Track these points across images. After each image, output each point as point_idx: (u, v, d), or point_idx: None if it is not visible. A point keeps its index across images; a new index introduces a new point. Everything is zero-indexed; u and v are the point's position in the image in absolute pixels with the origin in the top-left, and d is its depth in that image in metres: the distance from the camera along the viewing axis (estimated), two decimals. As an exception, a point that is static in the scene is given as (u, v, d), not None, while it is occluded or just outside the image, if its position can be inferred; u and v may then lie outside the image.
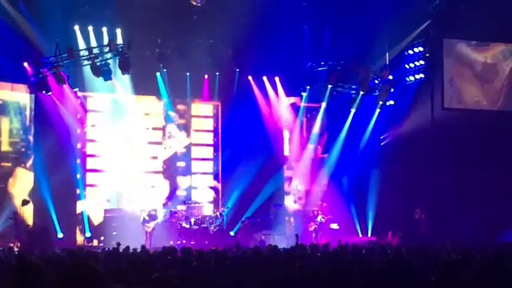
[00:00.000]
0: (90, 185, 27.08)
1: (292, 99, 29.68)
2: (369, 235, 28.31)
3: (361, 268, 10.51)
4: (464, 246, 16.34)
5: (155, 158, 28.47)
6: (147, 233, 24.97)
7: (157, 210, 26.72)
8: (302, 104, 29.37)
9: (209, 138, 29.45)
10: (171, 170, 28.65)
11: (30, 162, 25.79)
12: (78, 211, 26.37)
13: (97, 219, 26.62)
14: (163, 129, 28.67)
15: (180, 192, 28.48)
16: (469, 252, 12.97)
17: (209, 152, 29.34)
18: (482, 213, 26.74)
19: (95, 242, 25.84)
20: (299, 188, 29.52)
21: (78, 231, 26.29)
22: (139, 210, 26.26)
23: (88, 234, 25.94)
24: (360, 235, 28.41)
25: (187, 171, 28.86)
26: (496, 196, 27.43)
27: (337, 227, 27.59)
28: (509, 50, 29.37)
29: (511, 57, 29.32)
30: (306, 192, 29.36)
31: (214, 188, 29.15)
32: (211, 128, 29.48)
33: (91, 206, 26.72)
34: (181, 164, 28.82)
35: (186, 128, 29.03)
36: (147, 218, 25.22)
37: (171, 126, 28.74)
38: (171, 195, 28.26)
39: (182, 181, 28.71)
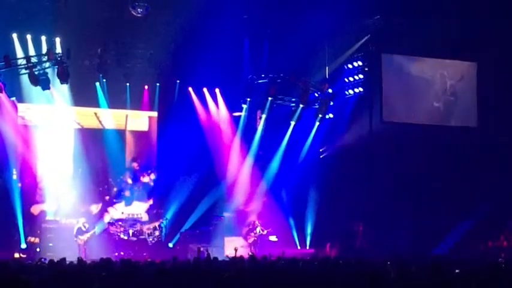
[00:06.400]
0: (27, 197, 26.55)
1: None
2: (307, 247, 28.49)
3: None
4: (401, 259, 16.50)
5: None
6: (80, 245, 24.46)
7: (94, 221, 26.30)
8: (242, 116, 29.35)
9: (148, 148, 29.19)
10: (108, 180, 28.33)
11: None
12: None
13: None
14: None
15: (118, 204, 28.09)
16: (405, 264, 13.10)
17: (148, 162, 29.08)
18: (419, 225, 27.17)
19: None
20: (239, 199, 29.48)
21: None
22: (75, 221, 25.78)
23: (24, 246, 25.44)
24: (299, 247, 28.55)
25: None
26: (432, 208, 27.87)
27: (276, 239, 27.65)
28: (443, 65, 29.93)
29: (446, 72, 29.90)
30: (245, 204, 29.33)
31: (153, 199, 28.84)
32: (150, 139, 29.24)
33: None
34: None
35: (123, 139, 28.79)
36: (83, 228, 24.76)
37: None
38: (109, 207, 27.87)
39: (120, 192, 28.37)
